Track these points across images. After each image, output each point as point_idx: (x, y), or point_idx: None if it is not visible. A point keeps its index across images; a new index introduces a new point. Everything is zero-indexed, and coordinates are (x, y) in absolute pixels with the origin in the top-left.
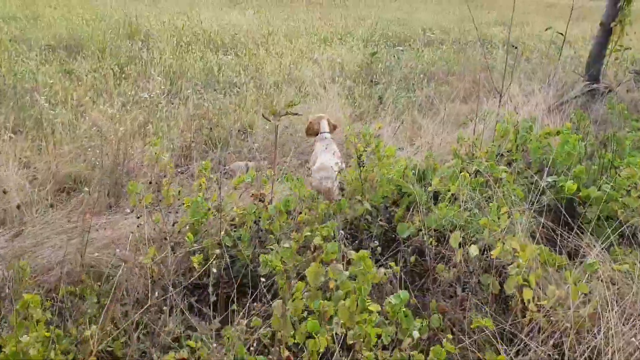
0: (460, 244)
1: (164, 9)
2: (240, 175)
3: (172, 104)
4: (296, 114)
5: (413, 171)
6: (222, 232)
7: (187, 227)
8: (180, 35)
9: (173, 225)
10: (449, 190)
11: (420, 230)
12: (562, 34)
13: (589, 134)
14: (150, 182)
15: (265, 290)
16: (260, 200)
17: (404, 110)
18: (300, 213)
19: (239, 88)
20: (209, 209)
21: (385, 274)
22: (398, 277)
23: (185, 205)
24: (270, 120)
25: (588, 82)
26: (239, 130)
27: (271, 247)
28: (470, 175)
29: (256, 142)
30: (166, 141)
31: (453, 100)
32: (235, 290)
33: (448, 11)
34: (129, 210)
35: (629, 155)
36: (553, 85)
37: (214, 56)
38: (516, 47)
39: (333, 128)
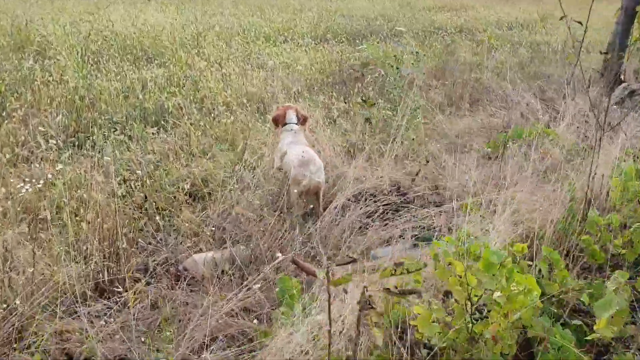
0: None
1: (63, 9)
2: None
3: (75, 160)
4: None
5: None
6: None
7: None
8: (87, 43)
9: None
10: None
11: None
12: (580, 22)
13: None
14: None
15: None
16: None
17: (414, 138)
18: None
19: (178, 118)
20: None
21: None
22: None
23: None
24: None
25: (627, 84)
26: (188, 194)
27: None
28: None
29: (218, 209)
30: (73, 251)
31: (458, 115)
32: None
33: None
34: None
35: None
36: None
37: (133, 69)
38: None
39: (303, 120)
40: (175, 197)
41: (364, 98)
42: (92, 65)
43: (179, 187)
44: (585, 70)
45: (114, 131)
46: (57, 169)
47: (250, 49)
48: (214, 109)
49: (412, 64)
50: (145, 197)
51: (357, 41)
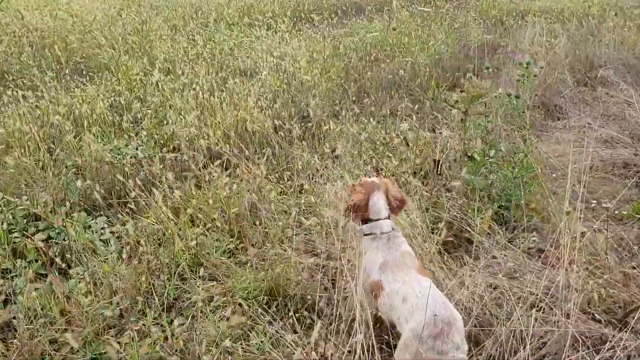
0: None
1: None
2: None
3: None
4: None
5: None
6: None
7: None
8: None
9: None
10: None
11: None
12: None
13: None
14: None
15: None
16: None
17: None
18: None
19: (141, 191)
20: None
21: None
22: None
23: None
24: None
25: None
26: None
27: None
28: None
29: None
30: None
31: (542, 135)
32: None
33: None
34: None
35: None
36: None
37: (58, 89)
38: None
39: (398, 206)
40: None
41: (468, 153)
42: None
43: None
44: None
45: (27, 238)
46: None
47: (219, 42)
48: (196, 163)
49: (518, 80)
50: None
51: (344, 20)
